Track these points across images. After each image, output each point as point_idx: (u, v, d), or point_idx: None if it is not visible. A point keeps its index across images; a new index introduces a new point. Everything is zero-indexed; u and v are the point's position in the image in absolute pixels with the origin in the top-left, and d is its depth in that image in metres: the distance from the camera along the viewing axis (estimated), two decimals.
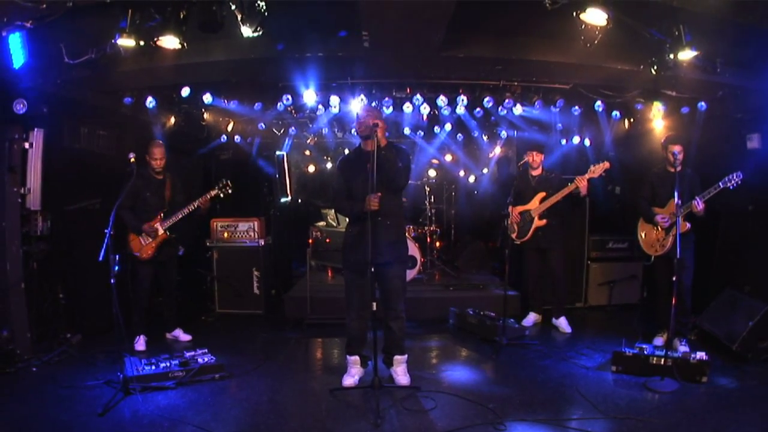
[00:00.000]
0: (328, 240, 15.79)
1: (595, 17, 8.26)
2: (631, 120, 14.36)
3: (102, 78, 10.38)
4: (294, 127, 16.18)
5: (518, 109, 13.38)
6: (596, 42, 8.90)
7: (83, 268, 10.70)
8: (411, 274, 14.08)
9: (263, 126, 15.26)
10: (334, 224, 15.85)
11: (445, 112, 13.79)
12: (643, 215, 10.75)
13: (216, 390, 8.66)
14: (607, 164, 11.05)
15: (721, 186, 9.42)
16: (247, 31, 8.50)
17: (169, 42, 8.70)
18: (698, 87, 11.09)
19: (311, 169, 20.16)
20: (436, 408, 7.97)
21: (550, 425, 7.45)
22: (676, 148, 10.00)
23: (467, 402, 8.20)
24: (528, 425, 7.46)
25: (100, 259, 8.26)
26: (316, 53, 10.18)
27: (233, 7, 8.32)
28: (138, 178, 9.81)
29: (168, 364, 8.92)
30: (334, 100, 12.99)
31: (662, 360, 8.85)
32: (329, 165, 19.86)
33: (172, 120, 13.70)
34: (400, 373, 8.93)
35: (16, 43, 8.64)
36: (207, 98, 12.46)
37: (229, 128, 15.20)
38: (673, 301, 8.96)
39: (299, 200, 19.43)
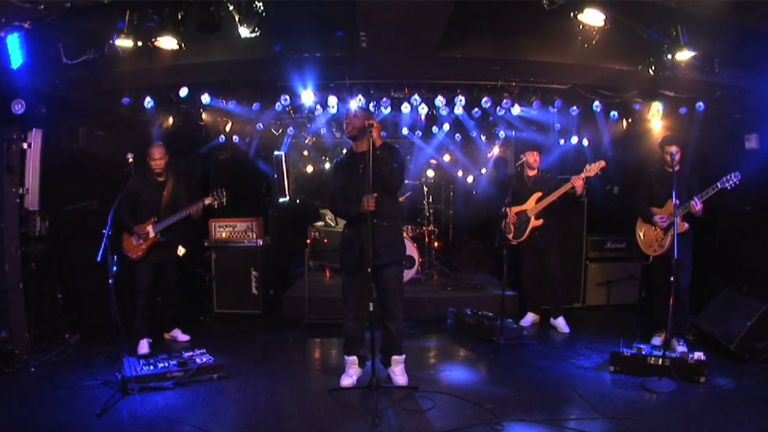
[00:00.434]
0: (326, 240, 15.78)
1: (592, 18, 8.28)
2: (629, 120, 14.40)
3: (100, 78, 10.38)
4: (292, 128, 16.22)
5: (516, 110, 13.40)
6: (594, 42, 8.95)
7: (82, 268, 10.65)
8: (409, 274, 14.16)
9: (261, 126, 15.28)
10: (333, 224, 15.85)
11: (443, 112, 13.83)
12: (641, 215, 10.76)
13: (214, 390, 8.67)
14: (603, 163, 11.04)
15: (719, 186, 9.43)
16: (244, 32, 8.54)
17: (167, 43, 8.73)
18: (696, 87, 11.11)
19: (309, 169, 20.19)
20: (433, 408, 7.98)
21: (547, 425, 7.46)
22: (673, 149, 10.02)
23: (465, 402, 8.20)
24: (525, 425, 7.47)
25: (99, 259, 8.32)
26: (314, 53, 10.20)
27: (231, 7, 8.35)
28: (137, 178, 9.90)
29: (166, 365, 8.94)
30: (332, 100, 13.02)
31: (660, 360, 8.87)
32: (327, 165, 19.85)
33: (171, 120, 13.73)
34: (398, 374, 8.93)
35: (14, 44, 8.64)
36: (205, 98, 12.50)
37: (228, 128, 15.23)
38: (671, 301, 9.01)
39: (297, 200, 19.45)
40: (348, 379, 8.88)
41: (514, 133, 16.12)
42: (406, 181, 16.35)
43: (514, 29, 9.99)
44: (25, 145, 9.97)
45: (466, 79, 12.68)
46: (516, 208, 11.93)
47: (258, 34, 8.62)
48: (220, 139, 15.30)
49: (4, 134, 9.68)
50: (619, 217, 14.37)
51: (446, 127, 15.72)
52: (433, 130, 16.28)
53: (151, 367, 8.83)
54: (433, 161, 18.83)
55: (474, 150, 18.79)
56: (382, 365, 9.04)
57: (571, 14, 8.33)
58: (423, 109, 13.58)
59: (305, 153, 19.61)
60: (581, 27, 8.62)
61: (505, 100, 12.93)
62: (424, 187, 16.76)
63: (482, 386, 9.00)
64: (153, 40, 8.71)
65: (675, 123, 12.92)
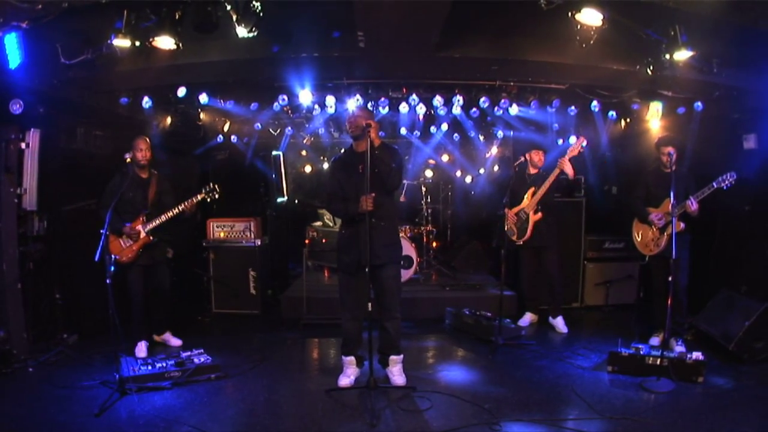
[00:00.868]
0: (324, 240, 15.70)
1: (590, 18, 8.31)
2: (628, 120, 14.38)
3: (98, 78, 10.41)
4: (290, 127, 16.25)
5: (514, 109, 13.42)
6: (592, 42, 8.96)
7: (80, 268, 10.64)
8: (407, 274, 14.17)
9: (259, 126, 15.35)
10: (331, 224, 15.78)
11: (441, 112, 13.87)
12: (638, 215, 10.76)
13: (212, 390, 8.67)
14: (582, 139, 11.10)
15: (715, 186, 9.44)
16: (242, 32, 8.53)
17: (165, 42, 8.75)
18: (694, 87, 11.14)
19: (308, 169, 20.14)
20: (431, 408, 7.98)
21: (545, 425, 7.46)
22: (670, 149, 10.05)
23: (463, 402, 8.20)
24: (524, 425, 7.48)
25: (96, 259, 8.35)
26: (312, 53, 10.23)
27: (228, 7, 8.35)
28: (119, 176, 9.91)
29: (164, 365, 8.95)
30: (330, 100, 13.06)
31: (658, 360, 8.87)
32: (326, 165, 19.78)
33: (169, 120, 13.74)
34: (396, 374, 8.94)
35: (12, 44, 8.61)
36: (203, 98, 12.53)
37: (226, 128, 15.26)
38: (669, 301, 9.01)
39: (296, 200, 19.43)
40: (346, 379, 8.89)
41: (512, 133, 16.07)
42: (405, 181, 16.57)
43: (512, 29, 10.01)
44: (23, 145, 9.96)
45: (464, 79, 12.70)
46: (515, 209, 11.92)
47: (255, 33, 8.61)
48: (218, 139, 15.34)
49: (2, 134, 9.66)
50: (618, 217, 14.29)
51: (444, 127, 15.76)
52: (432, 130, 16.34)
53: (149, 367, 8.83)
54: (431, 161, 18.81)
55: (472, 150, 18.74)
56: (379, 365, 9.05)
57: (569, 14, 8.34)
58: (421, 109, 13.63)
59: (303, 153, 19.59)
60: (579, 27, 8.63)
61: (503, 100, 12.97)
62: (423, 187, 16.74)
63: (480, 386, 9.00)
64: (150, 40, 8.72)
65: (673, 123, 12.93)
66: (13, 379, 9.09)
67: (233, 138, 15.71)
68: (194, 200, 10.41)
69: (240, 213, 14.14)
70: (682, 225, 9.89)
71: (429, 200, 16.83)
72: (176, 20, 8.59)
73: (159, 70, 10.28)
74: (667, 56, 9.09)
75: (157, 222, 10.23)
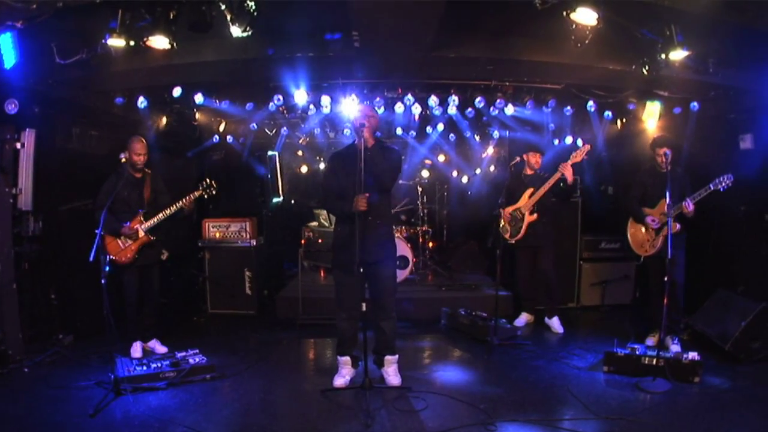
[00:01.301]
0: (320, 240, 15.76)
1: (585, 17, 8.29)
2: (624, 120, 14.41)
3: (93, 78, 10.40)
4: (286, 128, 16.24)
5: (510, 109, 13.44)
6: (587, 42, 8.95)
7: (75, 268, 10.65)
8: (403, 274, 14.17)
9: (255, 126, 15.35)
10: (327, 224, 15.81)
11: (437, 112, 13.87)
12: (633, 216, 10.79)
13: (207, 390, 8.67)
14: (587, 147, 11.11)
15: (712, 188, 9.45)
16: (236, 31, 8.52)
17: (159, 42, 8.71)
18: (690, 87, 11.17)
19: (304, 169, 20.08)
20: (427, 408, 7.98)
21: (541, 426, 7.46)
22: (665, 150, 10.06)
23: (458, 402, 8.21)
24: (519, 425, 7.47)
25: (91, 259, 8.32)
26: (307, 53, 10.24)
27: (223, 7, 8.34)
28: (113, 176, 9.84)
29: (159, 365, 8.95)
30: (326, 100, 13.05)
31: (654, 360, 8.88)
32: (322, 165, 19.67)
33: (164, 120, 13.75)
34: (391, 374, 8.94)
35: (6, 43, 8.60)
36: (198, 98, 12.54)
37: (221, 128, 15.24)
38: (665, 301, 9.00)
39: (292, 201, 19.46)
40: (341, 380, 8.89)
41: (508, 133, 16.11)
42: (401, 182, 16.51)
43: (507, 29, 10.03)
44: (18, 145, 9.97)
45: (460, 79, 12.70)
46: (510, 208, 11.95)
47: (250, 33, 8.61)
48: (214, 140, 15.30)
49: None
50: (614, 217, 14.22)
51: (440, 127, 15.76)
52: (428, 131, 16.32)
53: (144, 368, 8.83)
54: (427, 161, 18.80)
55: (468, 150, 18.72)
56: (375, 365, 9.05)
57: (564, 13, 8.33)
58: (416, 109, 13.60)
59: (299, 153, 19.53)
60: (574, 26, 8.64)
61: (498, 100, 12.95)
62: (418, 188, 16.80)
63: (476, 386, 9.01)
64: (145, 39, 8.69)
65: (670, 123, 12.94)
66: (9, 379, 9.07)
67: (229, 138, 15.69)
68: (192, 197, 10.33)
69: (236, 213, 14.15)
70: (678, 226, 9.90)
71: (425, 200, 16.88)
72: (170, 20, 8.56)
73: (154, 69, 10.28)
74: (663, 56, 9.08)
75: (156, 220, 10.14)
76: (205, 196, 10.66)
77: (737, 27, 8.62)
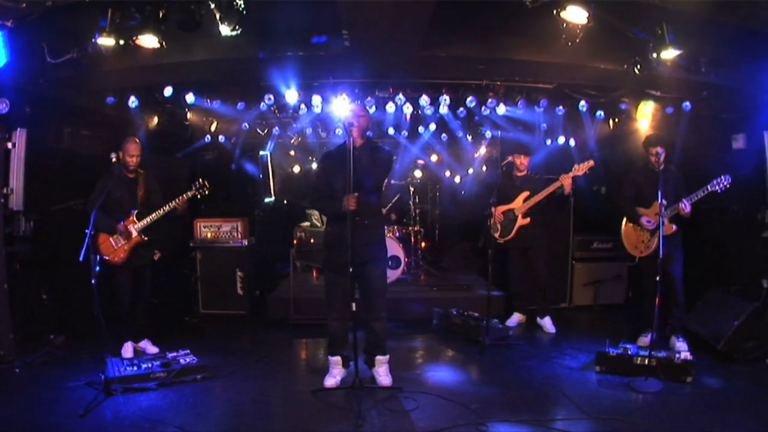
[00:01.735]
0: (312, 240, 15.79)
1: (575, 15, 8.35)
2: (616, 120, 14.44)
3: (84, 77, 10.40)
4: (277, 128, 16.24)
5: (501, 109, 13.47)
6: (579, 41, 9.02)
7: (67, 269, 10.51)
8: (395, 274, 14.21)
9: (247, 126, 15.38)
10: (319, 224, 15.83)
11: (428, 111, 13.88)
12: (627, 216, 10.77)
13: (198, 391, 8.65)
14: (591, 162, 11.08)
15: (709, 189, 9.45)
16: (225, 30, 8.55)
17: (148, 41, 8.76)
18: (683, 87, 11.19)
19: (296, 169, 20.12)
20: (417, 409, 7.96)
21: (533, 426, 7.44)
22: (658, 149, 10.09)
23: (449, 402, 8.18)
24: (510, 426, 7.46)
25: (81, 259, 8.33)
26: (297, 52, 10.25)
27: (212, 6, 8.35)
28: (106, 176, 9.80)
29: (150, 365, 8.92)
30: (316, 99, 13.06)
31: (646, 360, 8.87)
32: (314, 165, 19.65)
33: (156, 120, 13.76)
34: (382, 374, 8.92)
35: None
36: (189, 98, 12.55)
37: (213, 128, 15.26)
38: (657, 301, 9.01)
39: (285, 201, 19.49)
40: (332, 380, 8.87)
41: (500, 133, 16.11)
42: (393, 181, 16.65)
43: (498, 28, 10.04)
44: (9, 145, 9.97)
45: (451, 79, 12.73)
46: (503, 207, 11.94)
47: (239, 32, 8.63)
48: (206, 139, 15.34)
49: None
50: (606, 217, 14.30)
51: (432, 127, 15.78)
52: (419, 130, 16.35)
53: (135, 368, 8.81)
54: (420, 161, 18.88)
55: (460, 150, 18.74)
56: (366, 366, 9.04)
57: (554, 12, 8.37)
58: (408, 109, 13.60)
59: (291, 153, 19.58)
60: (564, 25, 8.69)
61: (490, 100, 12.99)
62: (411, 187, 16.82)
63: (467, 386, 9.03)
64: (134, 38, 8.72)
65: (662, 123, 13.00)
66: (0, 380, 9.04)
67: (221, 138, 15.72)
68: (185, 197, 10.30)
69: (228, 213, 14.14)
70: (674, 227, 9.95)
71: (417, 200, 16.90)
72: (160, 19, 8.61)
73: (144, 69, 10.28)
74: (655, 55, 9.12)
75: (149, 220, 10.09)
76: (198, 196, 10.62)
77: (729, 26, 8.64)
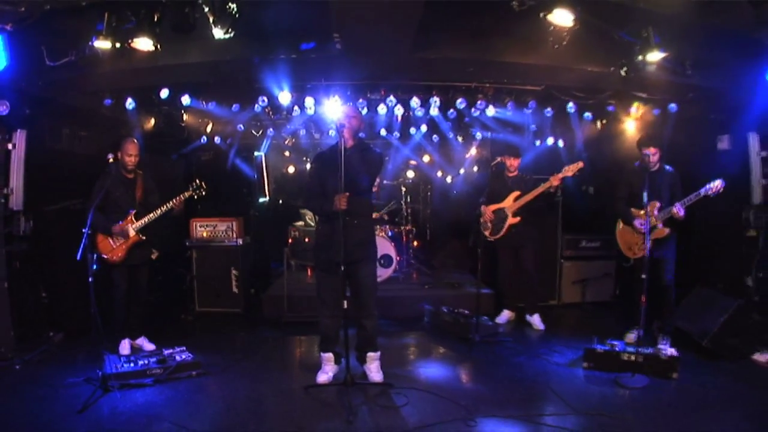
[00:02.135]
0: (306, 239, 15.82)
1: (561, 18, 8.40)
2: (603, 121, 14.49)
3: (82, 79, 10.41)
4: (272, 129, 16.26)
5: (491, 111, 13.45)
6: (566, 44, 9.09)
7: (64, 267, 10.49)
8: (387, 272, 14.25)
9: (242, 127, 15.37)
10: (312, 224, 15.84)
11: (419, 113, 13.87)
12: (621, 217, 10.80)
13: (193, 387, 8.67)
14: (580, 164, 11.06)
15: (702, 193, 9.52)
16: (218, 33, 8.60)
17: (143, 44, 8.82)
18: (668, 89, 11.18)
19: (291, 170, 20.15)
20: (408, 404, 7.98)
21: (521, 421, 7.47)
22: (650, 150, 10.13)
23: (439, 399, 8.20)
24: (499, 421, 7.48)
25: (78, 258, 8.39)
26: (289, 55, 10.25)
27: (206, 9, 8.39)
28: (105, 177, 9.80)
29: (146, 362, 8.96)
30: (309, 101, 13.07)
31: (633, 356, 8.91)
32: (308, 166, 19.50)
33: (152, 121, 13.78)
34: (374, 370, 8.95)
35: None
36: (185, 100, 12.54)
37: (209, 129, 15.27)
38: (643, 299, 9.09)
39: (280, 201, 19.57)
40: (324, 376, 8.91)
41: (490, 134, 16.13)
42: (385, 182, 16.79)
43: (486, 31, 10.03)
44: (9, 146, 9.99)
45: (441, 81, 12.75)
46: (493, 206, 11.97)
47: (232, 35, 8.68)
48: (202, 140, 15.37)
49: None
50: (594, 216, 14.53)
51: (423, 128, 15.78)
52: (411, 131, 16.33)
53: (132, 365, 8.84)
54: (412, 162, 18.96)
55: (451, 151, 18.78)
56: (357, 362, 9.08)
57: (541, 15, 8.42)
58: (399, 110, 13.61)
59: (286, 154, 19.65)
60: (551, 28, 8.75)
61: (479, 101, 12.98)
62: (402, 187, 16.84)
63: (457, 383, 9.06)
64: (129, 41, 8.77)
65: (649, 124, 13.08)
66: (1, 376, 9.08)
67: (217, 139, 15.75)
68: (182, 197, 10.34)
69: (223, 213, 14.17)
70: (667, 230, 10.04)
71: (409, 200, 16.94)
72: (155, 22, 8.67)
73: (139, 71, 10.28)
74: (641, 58, 9.17)
75: (146, 220, 10.12)
76: (195, 197, 10.64)
77: (713, 28, 8.69)
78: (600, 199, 14.94)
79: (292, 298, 12.87)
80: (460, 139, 17.40)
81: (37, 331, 10.53)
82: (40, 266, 10.72)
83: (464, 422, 7.37)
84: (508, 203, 11.79)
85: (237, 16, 8.53)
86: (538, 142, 15.76)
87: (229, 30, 8.57)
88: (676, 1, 8.13)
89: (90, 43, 8.76)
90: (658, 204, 9.97)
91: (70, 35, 9.26)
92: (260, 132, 16.41)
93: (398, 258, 14.75)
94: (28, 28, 8.55)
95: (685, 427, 7.32)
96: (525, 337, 11.52)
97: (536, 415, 7.63)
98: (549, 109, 13.42)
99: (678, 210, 9.64)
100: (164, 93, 11.98)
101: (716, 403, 8.02)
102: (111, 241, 10.03)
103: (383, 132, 16.23)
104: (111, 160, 9.61)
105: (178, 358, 9.14)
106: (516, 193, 11.73)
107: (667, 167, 10.39)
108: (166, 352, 9.34)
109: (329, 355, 9.01)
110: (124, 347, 10.23)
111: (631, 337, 10.41)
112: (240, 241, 13.81)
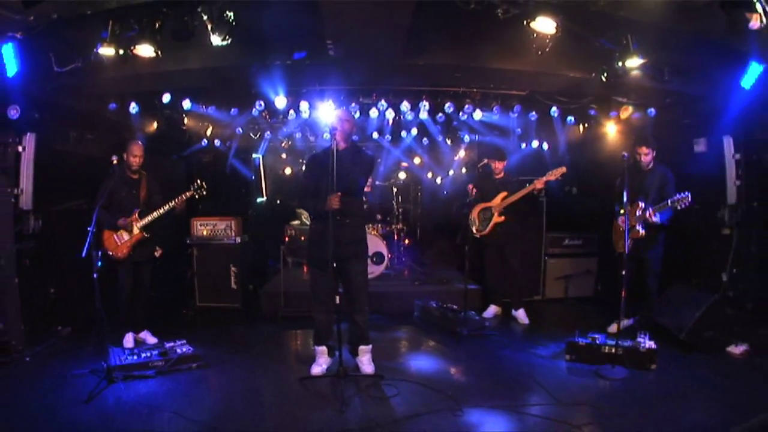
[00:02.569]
0: (302, 238, 15.86)
1: (544, 26, 8.45)
2: (585, 125, 14.61)
3: (88, 85, 10.50)
4: (269, 132, 16.34)
5: (478, 115, 13.48)
6: (549, 51, 9.14)
7: (71, 264, 10.38)
8: (379, 269, 14.31)
9: (240, 131, 15.44)
10: (308, 223, 15.73)
11: (409, 117, 13.92)
12: (614, 213, 10.95)
13: (193, 379, 8.73)
14: (563, 169, 11.14)
15: (670, 203, 9.68)
16: (216, 40, 8.61)
17: (145, 50, 8.84)
18: (648, 94, 11.34)
19: (288, 171, 20.17)
20: (398, 395, 8.02)
21: (505, 411, 7.52)
22: (641, 150, 10.30)
23: (428, 390, 8.25)
24: (485, 411, 7.52)
25: (83, 255, 8.44)
26: (285, 61, 10.34)
27: (204, 17, 8.43)
28: (110, 178, 9.79)
29: (149, 354, 9.02)
30: (304, 105, 13.18)
31: (613, 349, 8.98)
32: (304, 168, 19.68)
33: (155, 125, 13.85)
34: (365, 363, 8.99)
35: (8, 54, 8.66)
36: (186, 104, 12.66)
37: (209, 133, 15.35)
38: (623, 294, 9.21)
39: (277, 201, 19.62)
40: (318, 368, 8.95)
41: (477, 137, 16.32)
42: (377, 183, 16.91)
43: (472, 38, 10.08)
44: (20, 148, 10.00)
45: (430, 86, 12.86)
46: (482, 205, 12.07)
47: (229, 42, 8.70)
48: (203, 143, 15.49)
49: (0, 138, 9.74)
50: (577, 216, 14.73)
51: (414, 131, 15.88)
52: (402, 134, 16.50)
53: (135, 357, 8.90)
54: (403, 164, 19.10)
55: (440, 153, 18.89)
56: (350, 355, 9.13)
57: (525, 23, 8.46)
58: (390, 114, 13.66)
59: (283, 156, 19.68)
60: (535, 35, 8.81)
61: (467, 106, 13.12)
62: (393, 188, 16.96)
63: (445, 375, 9.12)
64: (132, 48, 8.81)
65: (630, 128, 13.20)
66: (12, 368, 9.16)
67: (216, 142, 15.86)
68: (184, 197, 10.41)
69: (222, 213, 14.20)
70: (642, 232, 10.14)
71: (400, 200, 17.07)
72: (156, 29, 8.70)
73: (142, 76, 10.38)
74: (620, 64, 9.23)
75: (150, 218, 10.19)
76: (196, 197, 10.71)
77: (690, 36, 8.75)
78: (582, 199, 15.11)
79: (289, 293, 12.95)
80: (448, 141, 17.58)
81: (46, 325, 10.59)
82: (48, 263, 10.74)
83: (452, 412, 7.42)
84: (496, 202, 11.85)
85: (234, 23, 8.58)
86: (523, 145, 15.94)
87: (227, 37, 8.60)
88: (655, 10, 8.13)
89: (95, 50, 8.80)
90: (641, 204, 10.06)
91: (77, 43, 9.32)
92: (258, 135, 16.50)
93: (390, 255, 14.80)
94: (37, 36, 8.59)
95: (662, 415, 7.38)
96: (510, 331, 11.57)
97: (521, 405, 7.68)
98: (533, 113, 13.53)
99: (649, 215, 9.84)
100: (166, 97, 12.08)
101: (692, 392, 8.08)
102: (116, 238, 10.10)
103: (375, 135, 16.35)
104: (115, 162, 9.64)
105: (179, 350, 9.18)
106: (504, 194, 11.79)
107: (661, 168, 10.49)
108: (168, 345, 9.39)
109: (323, 348, 9.07)
110: (128, 340, 10.30)
111: (614, 327, 10.51)
112: (239, 240, 13.84)
